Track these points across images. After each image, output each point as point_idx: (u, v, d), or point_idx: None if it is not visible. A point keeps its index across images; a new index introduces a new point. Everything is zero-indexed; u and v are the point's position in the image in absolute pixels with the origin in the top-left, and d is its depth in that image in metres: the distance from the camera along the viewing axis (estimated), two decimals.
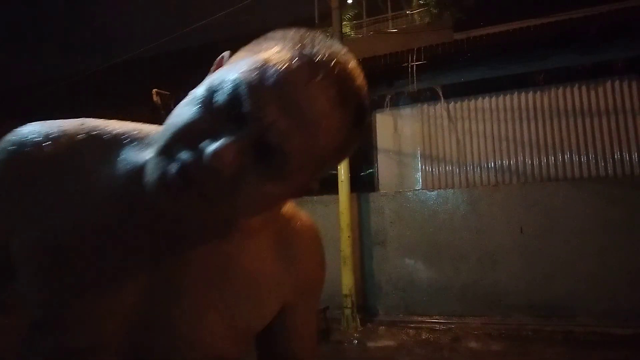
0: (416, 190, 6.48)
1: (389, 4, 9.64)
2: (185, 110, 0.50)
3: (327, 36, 0.52)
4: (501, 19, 6.99)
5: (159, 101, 6.38)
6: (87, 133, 0.58)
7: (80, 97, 9.86)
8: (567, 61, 5.94)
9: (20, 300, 0.57)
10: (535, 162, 6.04)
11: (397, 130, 6.75)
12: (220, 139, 0.46)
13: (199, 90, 0.50)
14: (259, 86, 0.46)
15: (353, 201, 6.16)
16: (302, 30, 0.52)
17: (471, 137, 6.38)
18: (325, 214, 6.37)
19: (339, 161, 0.56)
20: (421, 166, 6.60)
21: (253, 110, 0.46)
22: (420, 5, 8.88)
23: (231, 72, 0.49)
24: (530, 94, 6.15)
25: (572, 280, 5.39)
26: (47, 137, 0.57)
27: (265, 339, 0.71)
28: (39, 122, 0.60)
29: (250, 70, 0.47)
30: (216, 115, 0.48)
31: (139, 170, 0.54)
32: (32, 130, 0.58)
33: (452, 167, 6.44)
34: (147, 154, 0.53)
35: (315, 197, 6.60)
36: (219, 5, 7.41)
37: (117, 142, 0.59)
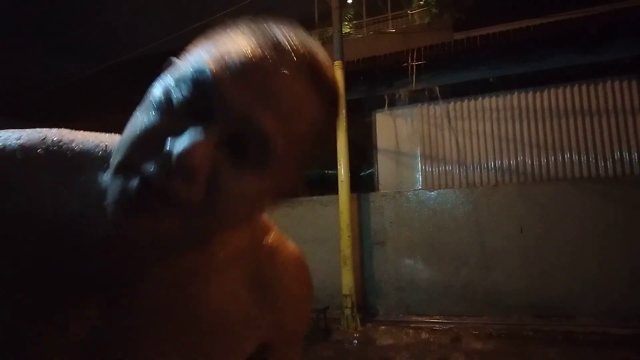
0: (416, 190, 6.48)
1: (389, 4, 9.64)
2: (139, 117, 0.44)
3: (293, 25, 0.50)
4: (501, 19, 6.99)
5: None
6: (46, 149, 0.51)
7: (80, 97, 9.87)
8: (567, 61, 5.95)
9: None
10: (535, 162, 6.04)
11: (397, 130, 6.76)
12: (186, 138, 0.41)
13: (154, 92, 0.44)
14: (227, 75, 0.42)
15: (353, 201, 6.16)
16: (267, 19, 0.49)
17: (471, 137, 6.38)
18: (325, 214, 6.39)
19: (319, 148, 0.52)
20: (421, 166, 6.60)
21: (223, 102, 0.41)
22: (420, 5, 8.87)
23: (190, 64, 0.44)
24: (530, 94, 6.16)
25: (571, 280, 5.39)
26: (1, 151, 0.50)
27: None
28: None
29: (214, 59, 0.43)
30: (178, 115, 0.42)
31: (95, 194, 0.47)
32: None
33: (452, 167, 6.44)
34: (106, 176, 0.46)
35: (315, 197, 6.61)
36: (219, 5, 7.40)
37: (79, 161, 0.52)
